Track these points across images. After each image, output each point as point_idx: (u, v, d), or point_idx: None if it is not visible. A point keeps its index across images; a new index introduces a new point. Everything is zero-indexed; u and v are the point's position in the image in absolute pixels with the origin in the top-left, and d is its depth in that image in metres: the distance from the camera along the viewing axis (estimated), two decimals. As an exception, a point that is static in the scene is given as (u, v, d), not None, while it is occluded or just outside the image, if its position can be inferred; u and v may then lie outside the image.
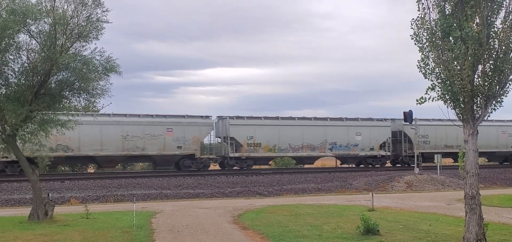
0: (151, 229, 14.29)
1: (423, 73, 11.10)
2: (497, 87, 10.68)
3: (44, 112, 16.49)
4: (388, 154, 39.65)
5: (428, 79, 11.07)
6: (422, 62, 11.10)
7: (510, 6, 10.45)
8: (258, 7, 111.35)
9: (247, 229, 14.29)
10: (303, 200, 22.91)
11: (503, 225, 14.55)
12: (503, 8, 10.49)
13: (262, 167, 39.47)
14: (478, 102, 10.81)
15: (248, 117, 37.79)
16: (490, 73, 10.59)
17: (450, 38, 10.57)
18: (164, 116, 35.14)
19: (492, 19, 10.55)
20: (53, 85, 16.33)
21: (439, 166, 33.57)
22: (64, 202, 22.99)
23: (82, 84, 16.24)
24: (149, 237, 13.09)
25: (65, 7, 15.46)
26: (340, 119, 39.57)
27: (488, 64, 10.59)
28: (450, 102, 10.93)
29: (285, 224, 14.87)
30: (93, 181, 28.22)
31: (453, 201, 21.66)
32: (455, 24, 10.44)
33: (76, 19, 15.49)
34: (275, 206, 19.90)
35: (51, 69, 15.55)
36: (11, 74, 16.05)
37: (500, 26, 10.48)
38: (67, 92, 16.59)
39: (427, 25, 10.84)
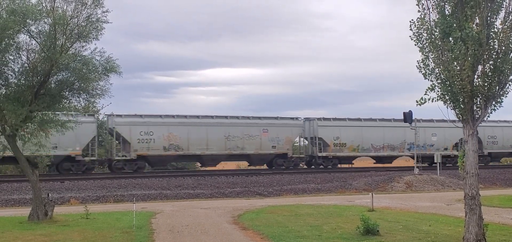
0: (151, 229, 14.30)
1: (423, 73, 11.11)
2: (497, 87, 10.68)
3: (44, 112, 16.48)
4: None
5: (428, 80, 11.08)
6: (422, 63, 11.11)
7: (510, 6, 10.45)
8: (258, 7, 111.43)
9: (247, 229, 14.30)
10: (303, 200, 22.91)
11: (503, 226, 14.55)
12: (503, 9, 10.49)
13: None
14: (478, 103, 10.82)
15: (334, 119, 40.05)
16: (490, 74, 10.59)
17: (450, 38, 10.57)
18: (259, 118, 37.84)
19: (492, 19, 10.56)
20: (53, 86, 16.32)
21: (439, 166, 33.57)
22: (64, 202, 22.97)
23: (82, 84, 16.23)
24: (149, 238, 13.10)
25: (65, 7, 15.48)
26: (417, 120, 41.06)
27: (488, 64, 10.59)
28: (450, 103, 10.94)
29: (285, 224, 14.87)
30: (93, 181, 28.22)
31: (453, 202, 21.65)
32: (455, 25, 10.45)
33: (76, 19, 15.49)
34: (275, 206, 19.90)
35: (51, 69, 15.55)
36: (11, 75, 16.05)
37: (500, 26, 10.48)
38: (67, 92, 16.59)
39: (427, 25, 10.85)
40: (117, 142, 34.35)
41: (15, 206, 22.35)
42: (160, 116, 35.41)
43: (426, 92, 11.00)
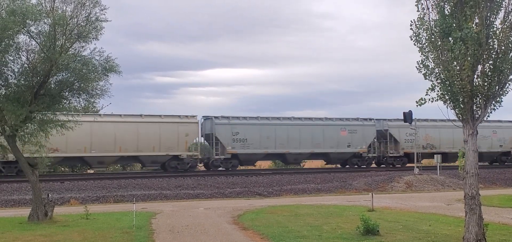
0: (151, 230, 14.30)
1: (423, 74, 11.11)
2: (497, 87, 10.70)
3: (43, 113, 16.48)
4: None
5: (428, 80, 11.09)
6: (422, 63, 11.12)
7: (509, 6, 10.46)
8: (258, 8, 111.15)
9: (247, 230, 14.30)
10: (303, 201, 22.92)
11: (503, 225, 14.56)
12: (502, 8, 10.51)
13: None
14: (478, 103, 10.82)
15: None
16: (489, 73, 10.60)
17: (450, 38, 10.58)
18: (489, 121, 43.17)
19: (491, 19, 10.56)
20: (52, 86, 16.33)
21: (439, 166, 33.59)
22: (64, 202, 22.96)
23: (82, 84, 16.24)
24: (149, 238, 13.11)
25: (65, 8, 15.48)
26: None
27: (488, 64, 10.60)
28: (449, 103, 10.94)
29: (285, 224, 14.87)
30: (93, 182, 28.22)
31: (453, 201, 21.67)
32: (454, 25, 10.45)
33: (76, 19, 15.50)
34: (275, 207, 19.91)
35: (50, 69, 15.56)
36: (10, 75, 16.05)
37: (499, 26, 10.49)
38: (66, 92, 16.59)
39: (427, 25, 10.85)
40: (390, 141, 41.03)
41: (15, 206, 22.35)
42: (418, 120, 40.31)
43: (426, 92, 11.02)
